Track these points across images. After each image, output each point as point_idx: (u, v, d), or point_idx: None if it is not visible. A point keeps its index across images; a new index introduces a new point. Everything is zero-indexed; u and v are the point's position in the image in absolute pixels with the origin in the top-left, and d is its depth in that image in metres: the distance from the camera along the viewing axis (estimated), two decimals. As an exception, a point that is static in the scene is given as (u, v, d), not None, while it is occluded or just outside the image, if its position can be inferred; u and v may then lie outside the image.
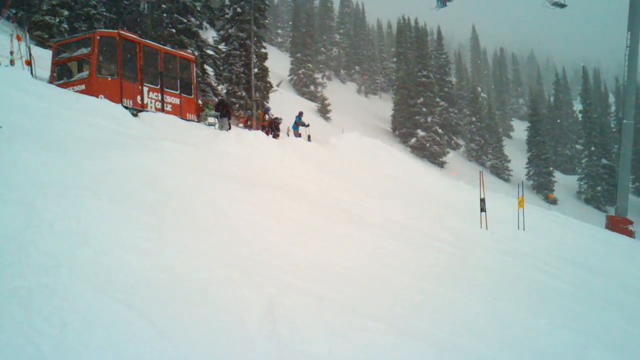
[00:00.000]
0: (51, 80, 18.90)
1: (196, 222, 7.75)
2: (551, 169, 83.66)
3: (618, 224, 41.79)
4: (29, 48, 19.84)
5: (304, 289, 6.20)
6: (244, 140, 17.45)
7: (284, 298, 5.67)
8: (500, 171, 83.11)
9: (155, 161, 10.69)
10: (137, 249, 5.89)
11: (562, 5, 48.55)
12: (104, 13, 37.14)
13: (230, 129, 23.89)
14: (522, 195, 19.74)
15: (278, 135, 26.63)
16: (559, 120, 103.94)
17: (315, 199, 13.03)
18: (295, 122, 29.08)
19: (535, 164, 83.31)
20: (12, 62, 19.41)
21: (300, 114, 29.84)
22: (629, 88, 50.95)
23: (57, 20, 32.42)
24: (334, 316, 5.61)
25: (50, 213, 5.96)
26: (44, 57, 22.27)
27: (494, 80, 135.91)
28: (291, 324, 5.16)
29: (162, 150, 12.06)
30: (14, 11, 32.19)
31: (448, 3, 48.02)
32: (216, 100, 34.19)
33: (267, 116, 28.08)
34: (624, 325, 8.33)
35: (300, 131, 28.88)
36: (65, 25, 32.91)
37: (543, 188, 79.09)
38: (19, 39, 20.44)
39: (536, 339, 6.57)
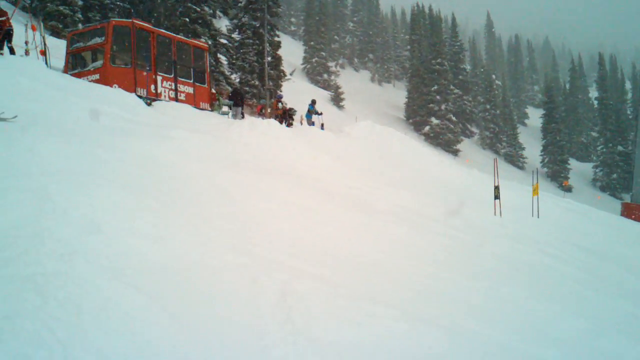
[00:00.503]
0: (65, 70, 19.05)
1: (208, 209, 7.80)
2: (566, 156, 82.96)
3: (633, 211, 41.52)
4: (44, 38, 19.98)
5: (316, 276, 6.23)
6: (256, 129, 17.49)
7: (297, 284, 5.70)
8: (515, 159, 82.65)
9: (167, 149, 10.75)
10: (150, 235, 5.94)
11: None
12: (118, 3, 37.26)
13: (243, 117, 23.96)
14: (537, 182, 19.65)
15: (291, 124, 26.64)
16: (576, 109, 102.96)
17: (327, 187, 13.04)
18: (308, 111, 29.05)
19: (550, 151, 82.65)
20: (27, 52, 19.55)
21: (313, 102, 29.79)
22: (645, 74, 50.43)
23: (72, 10, 32.54)
24: (347, 302, 5.63)
25: (64, 200, 6.02)
26: (58, 47, 22.41)
27: (508, 67, 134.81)
28: (305, 311, 5.18)
29: (175, 138, 12.12)
30: (28, 1, 32.35)
31: None
32: (229, 89, 34.26)
33: (280, 104, 28.05)
34: (636, 311, 8.29)
35: (313, 119, 28.86)
36: (80, 15, 33.05)
37: (558, 175, 78.51)
38: (33, 29, 20.57)
39: (548, 324, 6.56)
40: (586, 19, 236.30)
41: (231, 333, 4.61)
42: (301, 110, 31.09)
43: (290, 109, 27.98)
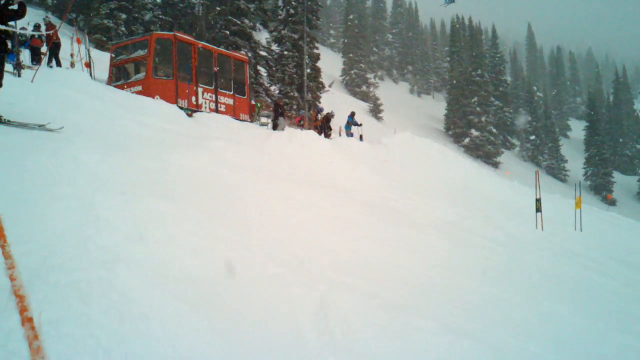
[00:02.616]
0: (109, 82, 19.43)
1: (247, 219, 7.84)
2: (610, 169, 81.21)
3: (680, 226, 40.31)
4: (88, 51, 20.46)
5: (355, 287, 6.20)
6: (295, 140, 17.56)
7: (335, 296, 5.68)
8: (557, 171, 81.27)
9: (208, 160, 10.86)
10: (191, 245, 5.99)
11: None
12: (160, 16, 37.93)
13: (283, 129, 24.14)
14: (580, 195, 19.28)
15: (330, 135, 26.66)
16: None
17: (366, 198, 13.00)
18: (347, 122, 29.05)
19: (594, 164, 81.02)
20: (72, 64, 20.04)
21: (352, 114, 29.77)
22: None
23: (115, 23, 33.28)
24: (386, 315, 5.59)
25: (107, 210, 6.12)
26: (102, 59, 22.89)
27: (550, 79, 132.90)
28: (343, 322, 5.17)
29: (215, 149, 12.24)
30: (74, 15, 33.19)
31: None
32: (268, 100, 34.57)
33: (319, 116, 28.08)
34: (685, 329, 8.04)
35: (352, 130, 28.84)
36: (123, 29, 33.78)
37: (601, 189, 76.89)
38: (79, 42, 21.09)
39: (592, 341, 6.40)
40: (631, 29, 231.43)
41: (270, 343, 4.62)
42: (340, 120, 31.12)
43: (329, 113, 27.93)
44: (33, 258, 4.72)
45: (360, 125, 29.11)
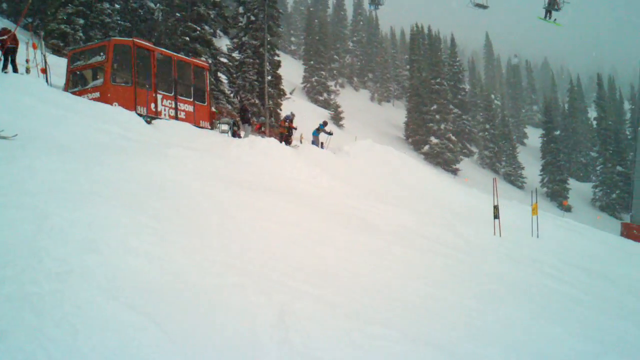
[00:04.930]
0: (66, 88, 19.07)
1: (205, 228, 7.76)
2: (565, 176, 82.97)
3: (633, 231, 41.43)
4: (45, 56, 20.03)
5: (315, 296, 6.18)
6: (256, 147, 17.49)
7: (295, 305, 5.65)
8: (514, 178, 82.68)
9: (166, 167, 10.74)
10: (147, 254, 5.90)
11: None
12: (119, 21, 37.45)
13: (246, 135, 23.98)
14: (536, 202, 19.59)
15: (291, 142, 26.57)
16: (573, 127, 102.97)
17: (327, 206, 13.01)
18: (317, 129, 29.01)
19: (550, 171, 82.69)
20: (27, 70, 19.59)
21: (325, 123, 29.86)
22: (644, 95, 50.69)
23: (73, 28, 32.72)
24: (346, 323, 5.58)
25: (61, 219, 5.99)
26: (59, 65, 22.47)
27: (507, 87, 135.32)
28: (303, 332, 5.13)
29: (175, 156, 12.11)
30: (30, 20, 32.53)
31: (380, 6, 55.84)
32: (229, 107, 34.36)
33: (286, 123, 27.86)
34: (638, 333, 8.23)
35: (321, 139, 28.79)
36: (81, 34, 33.22)
37: (557, 195, 78.43)
38: (34, 47, 20.63)
39: (550, 346, 6.50)
40: (584, 40, 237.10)
41: (229, 354, 4.56)
42: (303, 127, 31.06)
43: (292, 114, 27.77)
44: (-17, 270, 4.59)
45: (331, 134, 29.22)
